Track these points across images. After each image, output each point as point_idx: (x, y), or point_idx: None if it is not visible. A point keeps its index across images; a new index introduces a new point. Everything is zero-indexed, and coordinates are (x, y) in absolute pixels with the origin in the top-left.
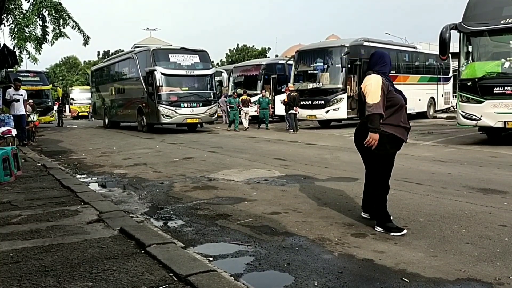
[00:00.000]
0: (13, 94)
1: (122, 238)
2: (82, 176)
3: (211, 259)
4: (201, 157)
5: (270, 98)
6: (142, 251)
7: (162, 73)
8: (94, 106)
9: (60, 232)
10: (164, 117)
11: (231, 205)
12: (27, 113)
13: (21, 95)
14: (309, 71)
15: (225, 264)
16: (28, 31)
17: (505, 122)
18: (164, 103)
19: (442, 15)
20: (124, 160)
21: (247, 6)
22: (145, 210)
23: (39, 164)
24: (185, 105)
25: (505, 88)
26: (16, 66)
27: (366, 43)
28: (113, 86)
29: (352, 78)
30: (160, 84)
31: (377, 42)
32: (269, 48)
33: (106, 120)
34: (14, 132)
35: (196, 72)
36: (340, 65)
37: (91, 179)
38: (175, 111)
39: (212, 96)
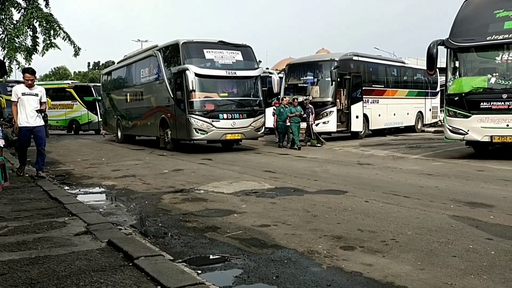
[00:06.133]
0: (23, 94)
1: (110, 251)
2: (70, 187)
3: (199, 271)
4: (191, 169)
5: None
6: (130, 264)
7: (196, 74)
8: (104, 117)
9: (47, 244)
10: (197, 132)
11: (221, 218)
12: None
13: (36, 94)
14: (299, 85)
15: (214, 277)
16: (19, 42)
17: (491, 136)
18: (197, 113)
19: (429, 30)
20: (113, 171)
21: (238, 19)
22: (134, 222)
23: (27, 175)
24: (225, 116)
25: (491, 103)
26: (5, 76)
27: (355, 58)
28: (129, 92)
29: (342, 92)
30: (193, 88)
31: (366, 57)
32: (260, 61)
33: (119, 134)
34: (1, 142)
35: (239, 73)
36: (329, 79)
37: (79, 190)
38: (211, 124)
39: (259, 105)
